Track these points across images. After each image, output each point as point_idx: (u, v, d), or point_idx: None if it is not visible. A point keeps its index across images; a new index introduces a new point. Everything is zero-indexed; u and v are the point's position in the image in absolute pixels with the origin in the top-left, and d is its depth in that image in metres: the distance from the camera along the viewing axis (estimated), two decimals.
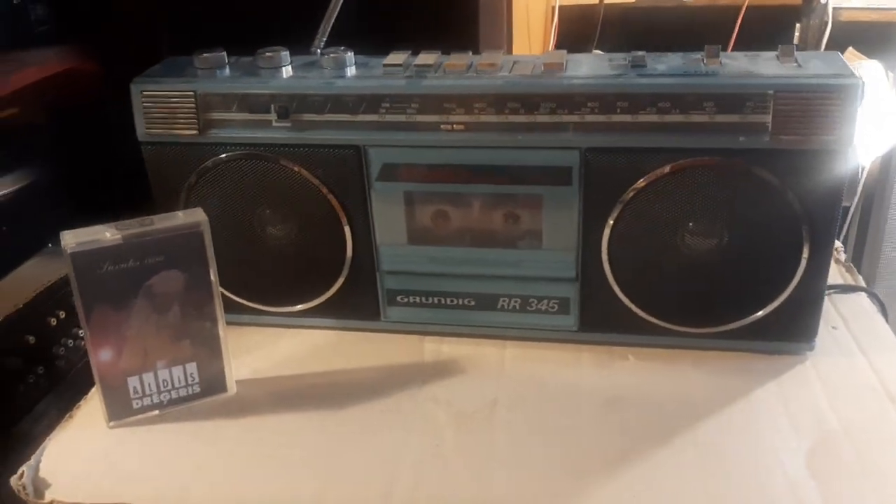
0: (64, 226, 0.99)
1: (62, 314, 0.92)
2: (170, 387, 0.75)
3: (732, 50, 1.30)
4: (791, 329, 0.78)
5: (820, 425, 0.71)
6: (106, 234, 0.69)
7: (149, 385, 0.75)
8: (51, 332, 0.91)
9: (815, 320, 0.78)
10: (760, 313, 0.78)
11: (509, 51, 1.23)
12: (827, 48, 1.78)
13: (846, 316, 0.86)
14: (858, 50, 1.86)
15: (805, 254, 0.74)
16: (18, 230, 0.97)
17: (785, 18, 1.65)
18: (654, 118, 0.73)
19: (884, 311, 0.89)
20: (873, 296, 0.90)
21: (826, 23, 1.76)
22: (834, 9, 1.77)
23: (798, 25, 1.78)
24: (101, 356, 0.72)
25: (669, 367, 0.80)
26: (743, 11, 1.39)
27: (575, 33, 1.63)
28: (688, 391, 0.76)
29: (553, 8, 1.52)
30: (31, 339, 0.89)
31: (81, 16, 1.08)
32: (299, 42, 0.84)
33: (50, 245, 0.98)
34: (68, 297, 0.91)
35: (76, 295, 0.70)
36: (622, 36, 1.60)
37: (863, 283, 0.94)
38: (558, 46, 1.54)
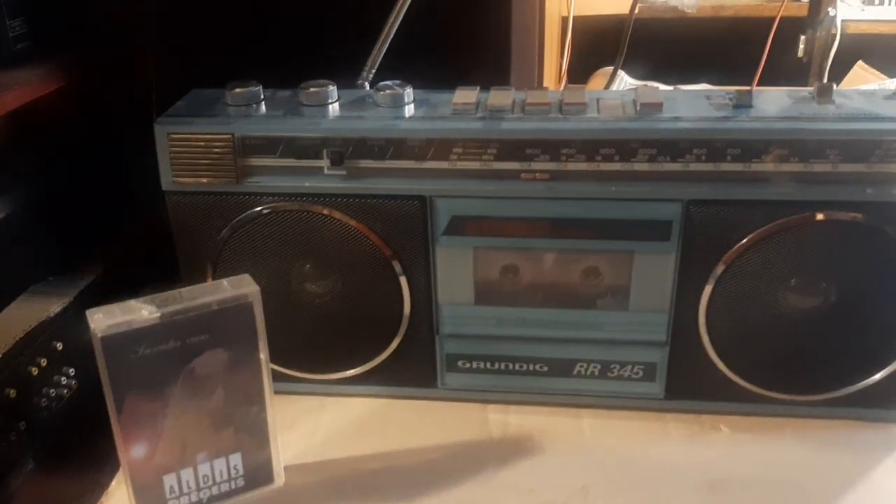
0: (46, 264, 0.88)
1: (43, 362, 0.81)
2: (210, 482, 0.64)
3: (763, 67, 1.22)
4: None
5: None
6: (142, 311, 0.58)
7: (187, 482, 0.64)
8: (32, 382, 0.80)
9: None
10: (877, 377, 0.70)
11: (540, 73, 1.13)
12: (834, 62, 1.73)
13: None
14: (868, 64, 1.81)
15: None
16: None
17: (788, 31, 1.58)
18: (769, 167, 0.64)
19: None
20: None
21: (834, 35, 1.70)
22: (841, 21, 1.72)
23: (803, 38, 1.73)
24: (134, 453, 0.61)
25: (769, 438, 0.72)
26: (775, 26, 1.31)
27: (584, 46, 1.55)
28: (798, 470, 0.68)
29: (565, 20, 1.43)
30: (12, 392, 0.77)
31: (67, 32, 0.96)
32: (300, 71, 0.73)
33: (30, 287, 0.86)
34: (50, 341, 0.81)
35: (106, 384, 0.58)
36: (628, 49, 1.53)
37: None
38: (571, 60, 1.46)
